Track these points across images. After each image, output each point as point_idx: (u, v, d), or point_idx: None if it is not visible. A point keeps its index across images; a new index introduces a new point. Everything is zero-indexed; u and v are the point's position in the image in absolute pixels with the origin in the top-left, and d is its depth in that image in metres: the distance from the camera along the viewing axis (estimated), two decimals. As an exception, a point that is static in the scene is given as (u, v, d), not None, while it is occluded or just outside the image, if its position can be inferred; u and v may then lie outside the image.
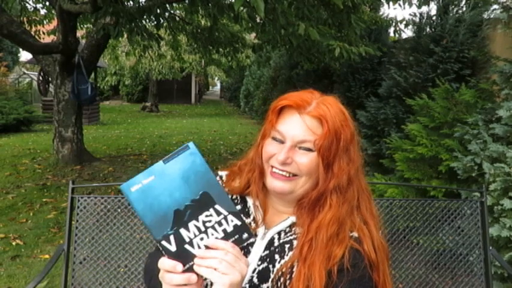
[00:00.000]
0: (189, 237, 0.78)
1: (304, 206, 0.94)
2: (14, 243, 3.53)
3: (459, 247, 1.76)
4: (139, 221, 1.70)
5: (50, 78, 6.82)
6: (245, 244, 0.82)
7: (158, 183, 0.77)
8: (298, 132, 0.91)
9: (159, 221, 0.77)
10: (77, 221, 1.68)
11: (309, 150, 0.90)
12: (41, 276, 1.57)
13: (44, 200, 4.69)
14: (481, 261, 1.72)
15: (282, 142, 0.92)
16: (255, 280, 0.91)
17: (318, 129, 0.90)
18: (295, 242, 0.93)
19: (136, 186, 0.77)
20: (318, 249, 0.87)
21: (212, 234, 0.79)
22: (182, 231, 0.78)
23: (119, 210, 1.69)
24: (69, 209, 1.68)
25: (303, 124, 0.91)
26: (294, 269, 0.88)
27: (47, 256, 3.31)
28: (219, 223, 0.79)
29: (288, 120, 0.93)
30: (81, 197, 1.69)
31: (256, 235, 0.95)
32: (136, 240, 1.70)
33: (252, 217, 0.99)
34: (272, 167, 0.93)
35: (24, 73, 16.73)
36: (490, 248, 1.73)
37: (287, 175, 0.92)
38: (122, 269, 1.68)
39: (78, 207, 1.68)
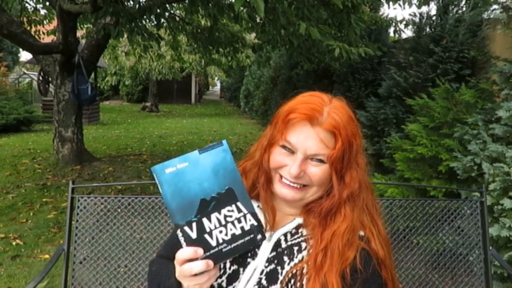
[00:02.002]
0: (210, 228, 0.80)
1: (312, 211, 0.94)
2: (14, 243, 3.53)
3: (459, 247, 1.76)
4: (139, 221, 1.70)
5: (50, 78, 6.82)
6: (258, 245, 0.85)
7: (191, 171, 0.81)
8: (311, 145, 0.88)
9: (185, 206, 0.79)
10: (77, 221, 1.68)
11: (321, 161, 0.90)
12: (41, 276, 1.57)
13: (44, 200, 4.69)
14: (480, 261, 1.72)
15: (292, 152, 0.91)
16: (264, 282, 0.91)
17: (331, 142, 0.89)
18: (303, 244, 0.93)
19: (171, 168, 0.80)
20: (333, 257, 0.87)
21: (231, 230, 0.81)
22: (204, 220, 0.80)
23: (119, 210, 1.69)
24: (69, 209, 1.68)
25: (316, 137, 0.88)
26: (304, 270, 0.88)
27: (47, 256, 3.31)
28: (239, 220, 0.82)
29: (299, 131, 0.90)
30: (81, 197, 1.69)
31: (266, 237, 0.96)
32: (137, 240, 1.70)
33: None
34: (281, 176, 0.93)
35: (24, 73, 16.73)
36: (490, 247, 1.73)
37: (298, 186, 0.92)
38: (122, 269, 1.68)
39: (78, 207, 1.68)
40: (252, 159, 1.02)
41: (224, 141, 0.83)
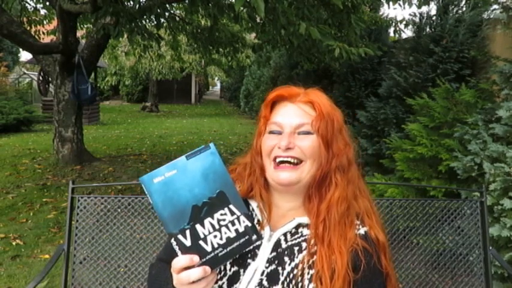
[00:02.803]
0: (204, 234, 0.80)
1: (312, 193, 0.96)
2: (14, 243, 3.53)
3: (459, 247, 1.76)
4: (139, 221, 1.70)
5: (50, 78, 6.83)
6: (253, 245, 0.85)
7: (179, 178, 0.80)
8: (294, 117, 0.95)
9: (177, 214, 0.79)
10: (77, 221, 1.68)
11: (308, 133, 0.93)
12: (41, 276, 1.57)
13: (44, 200, 4.69)
14: (481, 261, 1.72)
15: (280, 133, 0.94)
16: (265, 283, 0.90)
17: (312, 112, 0.95)
18: (304, 245, 0.93)
19: (159, 178, 0.79)
20: (332, 228, 0.90)
21: (225, 233, 0.81)
22: (198, 227, 0.80)
23: (119, 210, 1.69)
24: (69, 209, 1.68)
25: (298, 109, 0.95)
26: (305, 271, 0.88)
27: (47, 256, 3.31)
28: (232, 223, 0.82)
29: (282, 110, 0.97)
30: (81, 197, 1.69)
31: (262, 237, 0.95)
32: (137, 240, 1.70)
33: (256, 220, 0.98)
34: (275, 159, 0.94)
35: (24, 73, 16.73)
36: (490, 248, 1.73)
37: (293, 161, 0.92)
38: (122, 269, 1.68)
39: (78, 207, 1.68)
40: (244, 164, 1.04)
41: (211, 144, 0.83)
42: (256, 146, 0.99)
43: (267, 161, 0.96)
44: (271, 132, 0.96)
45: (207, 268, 0.79)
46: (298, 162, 0.93)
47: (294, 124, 0.93)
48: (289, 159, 0.92)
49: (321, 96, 0.97)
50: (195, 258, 0.78)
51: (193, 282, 0.78)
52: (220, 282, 0.92)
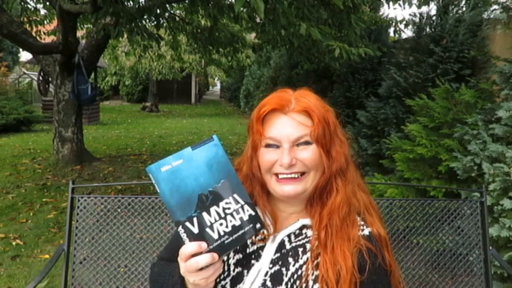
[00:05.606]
0: (210, 222, 0.82)
1: (314, 198, 0.95)
2: (14, 243, 3.53)
3: (459, 247, 1.76)
4: (139, 221, 1.70)
5: (50, 78, 6.82)
6: (258, 234, 0.86)
7: (186, 167, 0.82)
8: (291, 130, 0.91)
9: (184, 203, 0.81)
10: (77, 221, 1.68)
11: (308, 143, 0.91)
12: (41, 276, 1.57)
13: (44, 200, 4.70)
14: (480, 261, 1.72)
15: (277, 147, 0.92)
16: (269, 283, 0.90)
17: (308, 122, 0.92)
18: (308, 246, 0.93)
19: (167, 166, 0.82)
20: (334, 233, 0.89)
21: (230, 221, 0.83)
22: (204, 214, 0.82)
23: (119, 210, 1.69)
24: (69, 209, 1.68)
25: (293, 121, 0.91)
26: (309, 272, 0.88)
27: (47, 256, 3.31)
28: (237, 211, 0.84)
29: (276, 123, 0.92)
30: (81, 197, 1.69)
31: (265, 227, 0.94)
32: (137, 240, 1.70)
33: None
34: (276, 174, 0.92)
35: (24, 73, 16.72)
36: (490, 248, 1.74)
37: (296, 176, 0.91)
38: (122, 269, 1.68)
39: (78, 207, 1.68)
40: (240, 173, 1.00)
41: (214, 136, 0.85)
42: (253, 161, 0.96)
43: (268, 176, 0.94)
44: (267, 146, 0.92)
45: (215, 254, 0.79)
46: (301, 175, 0.92)
47: (292, 138, 0.90)
48: (292, 175, 0.91)
49: (312, 99, 0.94)
50: (203, 245, 0.79)
51: (201, 269, 0.79)
52: (223, 283, 0.92)
